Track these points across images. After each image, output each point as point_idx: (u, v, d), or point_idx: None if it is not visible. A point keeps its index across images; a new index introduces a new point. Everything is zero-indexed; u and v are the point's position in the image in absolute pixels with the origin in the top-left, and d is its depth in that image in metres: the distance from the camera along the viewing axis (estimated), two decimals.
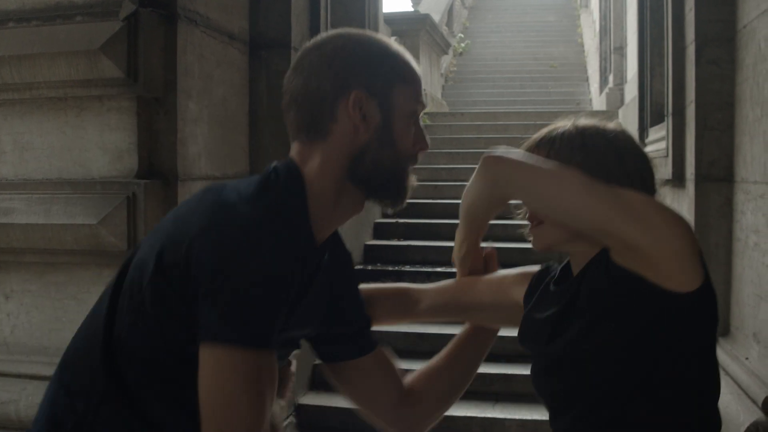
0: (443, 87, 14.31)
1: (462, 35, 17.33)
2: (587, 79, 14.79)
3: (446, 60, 14.74)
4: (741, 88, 3.68)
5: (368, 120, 1.34)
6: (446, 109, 11.89)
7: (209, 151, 3.71)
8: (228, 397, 1.17)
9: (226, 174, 3.94)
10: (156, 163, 3.39)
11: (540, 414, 4.53)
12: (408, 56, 1.41)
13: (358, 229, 6.30)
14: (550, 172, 1.33)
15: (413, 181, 1.43)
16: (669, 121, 4.48)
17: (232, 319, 1.19)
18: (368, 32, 1.46)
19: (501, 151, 1.43)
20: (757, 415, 3.03)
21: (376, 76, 1.35)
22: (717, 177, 3.88)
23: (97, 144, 3.32)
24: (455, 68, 15.78)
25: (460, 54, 16.44)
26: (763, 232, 3.30)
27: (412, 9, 11.39)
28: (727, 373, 3.54)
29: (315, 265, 1.38)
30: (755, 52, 3.44)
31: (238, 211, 1.22)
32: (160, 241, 1.28)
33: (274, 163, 1.40)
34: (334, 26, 5.26)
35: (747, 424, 3.01)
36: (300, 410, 4.64)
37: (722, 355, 3.73)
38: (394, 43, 1.42)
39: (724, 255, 3.94)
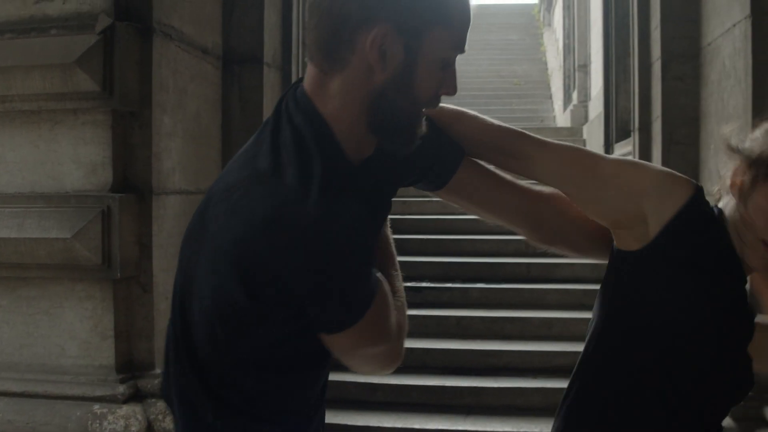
0: None
1: None
2: (551, 97, 15.02)
3: None
4: (706, 103, 3.78)
5: (388, 60, 1.16)
6: None
7: (183, 166, 3.71)
8: (371, 348, 1.22)
9: (199, 188, 3.93)
10: (130, 177, 3.38)
11: (511, 426, 4.57)
12: None
13: None
14: None
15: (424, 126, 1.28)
16: (635, 136, 4.58)
17: (349, 304, 1.16)
18: None
19: None
20: (726, 422, 3.10)
21: (413, 13, 1.15)
22: None
23: (71, 158, 3.30)
24: None
25: None
26: None
27: None
28: None
29: (374, 182, 1.28)
30: (720, 69, 3.54)
31: (295, 213, 1.10)
32: (229, 266, 1.16)
33: (287, 109, 1.23)
34: (306, 43, 5.29)
35: None
36: None
37: None
38: None
39: None
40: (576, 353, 1.56)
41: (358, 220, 1.14)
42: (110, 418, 3.20)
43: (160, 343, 3.47)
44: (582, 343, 1.53)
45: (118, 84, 3.22)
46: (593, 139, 8.24)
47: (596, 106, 8.14)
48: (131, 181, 3.38)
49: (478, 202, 1.52)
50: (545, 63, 17.10)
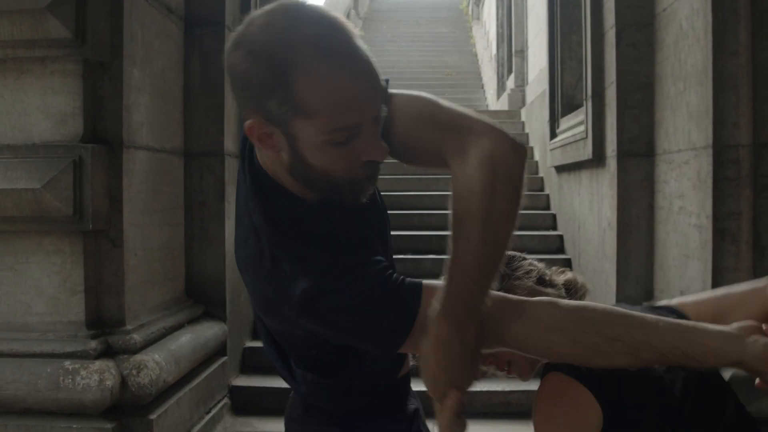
0: None
1: None
2: (482, 86, 15.27)
3: None
4: (661, 66, 3.94)
5: (275, 143, 1.18)
6: None
7: (150, 122, 3.66)
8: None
9: (164, 147, 3.89)
10: (100, 129, 3.33)
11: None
12: (319, 72, 1.10)
13: None
14: None
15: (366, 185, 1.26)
16: (588, 104, 4.73)
17: (396, 328, 1.23)
18: (274, 33, 1.13)
19: None
20: None
21: (267, 110, 1.14)
22: (637, 153, 4.13)
23: (39, 108, 3.22)
24: None
25: None
26: (688, 195, 3.55)
27: None
28: None
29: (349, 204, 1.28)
30: (676, 31, 3.70)
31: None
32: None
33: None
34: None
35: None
36: (233, 392, 4.60)
37: None
38: (301, 51, 1.10)
39: (646, 225, 4.19)
40: None
41: (375, 281, 1.21)
42: (83, 373, 3.14)
43: (130, 299, 3.43)
44: None
45: (90, 32, 3.16)
46: (533, 120, 8.43)
47: (534, 90, 8.34)
48: (101, 133, 3.32)
49: None
50: (475, 55, 17.38)
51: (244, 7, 4.68)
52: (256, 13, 1.18)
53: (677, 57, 3.69)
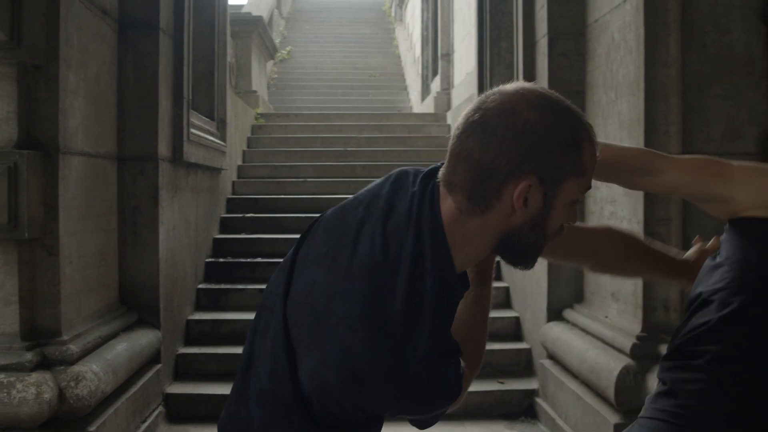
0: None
1: (280, 43, 17.40)
2: (406, 88, 15.38)
3: (269, 66, 14.76)
4: (593, 75, 4.08)
5: (529, 207, 1.26)
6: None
7: (85, 126, 3.58)
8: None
9: (98, 152, 3.81)
10: (35, 135, 3.24)
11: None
12: (595, 142, 1.31)
13: (207, 223, 6.21)
14: None
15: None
16: None
17: (436, 417, 1.38)
18: (563, 103, 1.29)
19: None
20: (625, 361, 3.38)
21: (555, 168, 1.25)
22: None
23: None
24: (276, 75, 15.82)
25: (281, 61, 16.51)
26: (619, 201, 3.68)
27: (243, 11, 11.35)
28: (589, 333, 3.89)
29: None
30: (608, 42, 3.83)
31: (414, 374, 1.23)
32: (341, 382, 1.25)
33: (425, 246, 1.30)
34: (196, 10, 5.21)
35: (619, 369, 3.35)
36: (168, 400, 4.53)
37: (581, 318, 4.10)
38: (585, 126, 1.30)
39: None
40: None
41: (457, 371, 1.28)
42: (19, 386, 3.05)
43: (66, 308, 3.35)
44: None
45: (25, 34, 3.07)
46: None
47: (461, 93, 8.45)
48: (35, 138, 3.22)
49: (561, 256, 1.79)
50: (399, 56, 17.49)
51: (178, 10, 4.62)
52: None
53: (609, 67, 3.83)
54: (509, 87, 1.28)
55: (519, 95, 1.26)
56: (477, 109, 1.27)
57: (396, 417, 1.31)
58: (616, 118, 3.70)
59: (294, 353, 1.30)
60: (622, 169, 1.62)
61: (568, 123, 1.26)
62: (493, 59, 6.16)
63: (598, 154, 1.31)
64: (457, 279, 1.32)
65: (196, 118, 5.20)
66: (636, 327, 3.44)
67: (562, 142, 1.24)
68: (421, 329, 1.23)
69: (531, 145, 1.22)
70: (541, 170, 1.24)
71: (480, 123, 1.25)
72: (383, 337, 1.21)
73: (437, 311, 1.25)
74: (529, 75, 4.68)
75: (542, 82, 4.46)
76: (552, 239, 1.34)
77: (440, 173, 1.32)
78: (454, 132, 1.29)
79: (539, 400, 4.51)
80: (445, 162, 1.30)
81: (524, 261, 1.36)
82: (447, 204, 1.30)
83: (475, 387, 1.69)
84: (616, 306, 3.72)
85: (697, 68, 3.32)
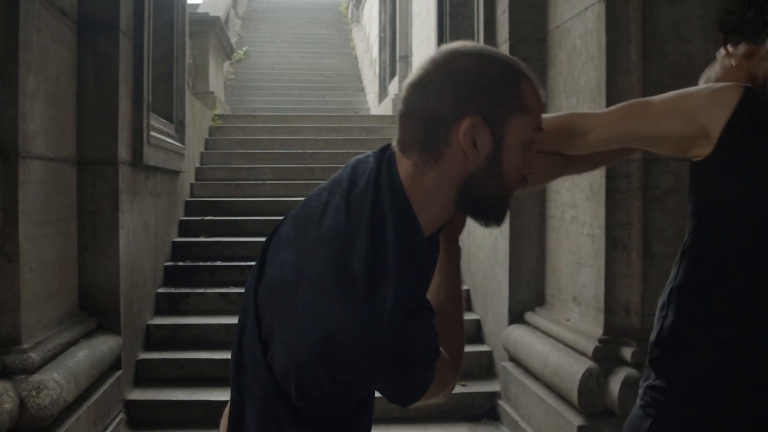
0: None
1: (236, 43, 17.26)
2: (363, 89, 15.37)
3: (225, 66, 14.63)
4: (554, 81, 4.13)
5: (479, 148, 1.28)
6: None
7: (45, 130, 3.52)
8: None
9: (58, 156, 3.74)
10: None
11: None
12: (535, 81, 1.32)
13: (167, 227, 6.14)
14: None
15: (512, 201, 1.41)
16: None
17: (417, 390, 1.32)
18: (495, 50, 1.33)
19: None
20: (588, 364, 3.43)
21: (496, 104, 1.27)
22: None
23: None
24: (232, 75, 15.70)
25: (238, 61, 16.39)
26: (581, 206, 3.74)
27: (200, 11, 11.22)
28: (551, 336, 3.94)
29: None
30: (570, 49, 3.88)
31: (384, 330, 1.23)
32: (315, 356, 1.26)
33: (384, 203, 1.32)
34: (156, 11, 5.14)
35: (581, 372, 3.40)
36: (129, 406, 4.46)
37: (542, 321, 4.15)
38: (521, 65, 1.32)
39: (537, 233, 4.38)
40: None
41: (432, 329, 1.28)
42: None
43: (26, 315, 3.28)
44: None
45: None
46: None
47: None
48: None
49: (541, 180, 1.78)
50: (356, 57, 17.47)
51: (138, 10, 4.56)
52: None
53: (570, 73, 3.88)
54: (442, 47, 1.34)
55: (451, 48, 1.31)
56: (414, 73, 1.32)
57: (383, 415, 1.31)
58: None
59: (267, 342, 1.32)
60: (556, 137, 1.63)
61: (503, 62, 1.30)
62: None
63: (542, 97, 1.33)
64: (425, 240, 1.33)
65: (155, 121, 5.14)
66: (598, 330, 3.50)
67: (499, 78, 1.28)
68: (386, 283, 1.24)
69: (467, 84, 1.27)
70: (482, 109, 1.27)
71: (418, 81, 1.29)
72: (351, 294, 1.23)
73: (404, 266, 1.26)
74: None
75: None
76: (515, 187, 1.36)
77: (393, 141, 1.35)
78: (400, 101, 1.34)
79: (501, 403, 4.56)
80: (396, 129, 1.34)
81: (491, 214, 1.37)
82: (404, 165, 1.33)
83: None
84: (577, 309, 3.77)
85: (657, 76, 3.39)
